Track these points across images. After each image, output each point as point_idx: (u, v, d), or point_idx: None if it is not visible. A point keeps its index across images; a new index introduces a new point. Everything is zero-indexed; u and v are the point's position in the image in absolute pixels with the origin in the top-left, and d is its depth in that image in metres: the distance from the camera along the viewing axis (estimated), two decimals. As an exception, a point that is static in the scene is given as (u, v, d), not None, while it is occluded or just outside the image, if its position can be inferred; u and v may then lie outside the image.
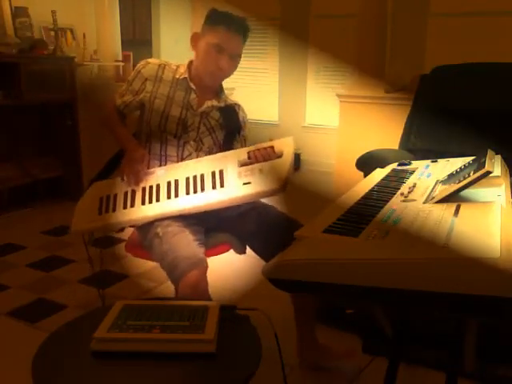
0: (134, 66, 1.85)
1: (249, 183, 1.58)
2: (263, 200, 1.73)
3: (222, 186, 1.60)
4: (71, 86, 3.75)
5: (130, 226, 1.74)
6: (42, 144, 3.92)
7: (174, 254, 1.51)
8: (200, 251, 1.54)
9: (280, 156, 1.63)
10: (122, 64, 4.27)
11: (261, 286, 1.28)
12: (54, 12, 3.64)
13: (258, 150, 1.66)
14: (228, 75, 1.77)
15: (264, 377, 1.16)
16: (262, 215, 1.73)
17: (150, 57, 4.67)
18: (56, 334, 1.19)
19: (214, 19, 1.70)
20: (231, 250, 1.78)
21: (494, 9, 3.80)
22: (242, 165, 1.65)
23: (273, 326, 1.20)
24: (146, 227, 1.64)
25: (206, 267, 1.51)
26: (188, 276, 1.45)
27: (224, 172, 1.64)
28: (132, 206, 1.64)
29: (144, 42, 4.96)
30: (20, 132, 3.76)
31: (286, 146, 1.67)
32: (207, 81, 1.75)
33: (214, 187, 1.61)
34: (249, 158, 1.66)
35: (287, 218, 1.72)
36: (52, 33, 3.76)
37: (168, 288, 2.49)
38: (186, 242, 1.55)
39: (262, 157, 1.63)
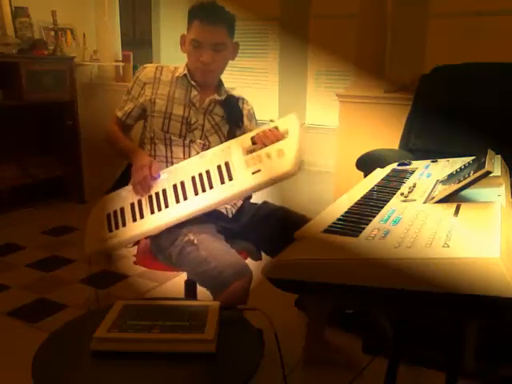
0: (134, 66, 1.84)
1: (258, 171, 1.47)
2: (271, 201, 1.67)
3: (230, 179, 1.50)
4: (71, 85, 3.74)
5: (146, 238, 1.64)
6: (42, 144, 3.91)
7: (216, 261, 1.43)
8: (241, 258, 1.47)
9: (286, 136, 1.52)
10: (121, 64, 4.26)
11: (261, 286, 1.28)
12: (54, 12, 3.64)
13: (263, 132, 1.56)
14: (218, 69, 1.70)
15: (264, 377, 1.16)
16: (281, 220, 1.65)
17: (151, 57, 4.67)
18: (56, 333, 1.19)
19: (190, 15, 1.64)
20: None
21: (494, 9, 3.79)
22: (248, 151, 1.54)
23: (273, 325, 1.20)
24: (172, 234, 1.55)
25: (252, 276, 1.44)
26: (234, 285, 1.39)
27: (230, 164, 1.54)
28: (142, 217, 1.56)
29: (144, 41, 4.94)
30: (20, 132, 3.75)
31: (290, 124, 1.56)
32: (199, 79, 1.70)
33: (222, 182, 1.51)
34: (253, 143, 1.56)
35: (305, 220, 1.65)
36: (52, 33, 3.76)
37: (168, 288, 2.50)
38: (226, 249, 1.49)
39: (268, 139, 1.52)
